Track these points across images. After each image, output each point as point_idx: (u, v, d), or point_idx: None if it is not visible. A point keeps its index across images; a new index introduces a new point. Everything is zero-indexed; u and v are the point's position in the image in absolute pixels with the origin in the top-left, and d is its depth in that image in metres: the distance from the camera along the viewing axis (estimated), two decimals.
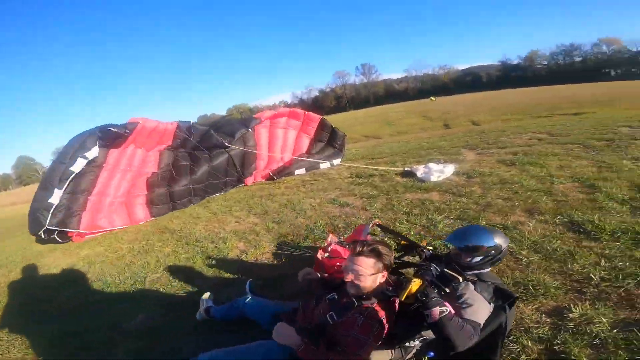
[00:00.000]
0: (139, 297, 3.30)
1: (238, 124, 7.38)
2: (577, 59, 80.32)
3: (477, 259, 1.98)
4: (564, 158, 5.77)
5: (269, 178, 7.56)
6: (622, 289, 2.24)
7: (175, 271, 3.65)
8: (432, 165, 5.94)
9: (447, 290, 1.71)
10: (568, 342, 1.88)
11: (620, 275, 2.36)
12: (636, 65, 71.75)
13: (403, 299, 1.70)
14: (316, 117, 8.29)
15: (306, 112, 8.20)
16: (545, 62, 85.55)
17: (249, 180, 7.39)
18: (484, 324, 1.74)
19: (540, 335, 1.99)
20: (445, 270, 1.81)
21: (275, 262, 3.52)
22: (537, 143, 7.55)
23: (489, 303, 1.82)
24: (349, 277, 1.80)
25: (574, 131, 8.56)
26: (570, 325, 2.01)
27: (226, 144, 6.53)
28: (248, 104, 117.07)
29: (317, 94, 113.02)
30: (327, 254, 2.58)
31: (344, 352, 1.66)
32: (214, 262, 3.75)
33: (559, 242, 2.94)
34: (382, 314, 1.74)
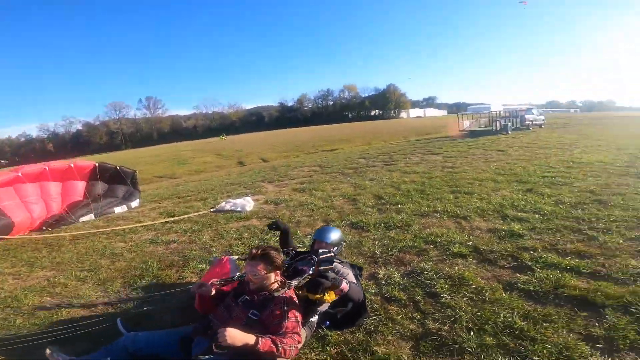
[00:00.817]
0: None
1: None
2: (330, 103, 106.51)
3: (336, 248, 2.81)
4: (333, 183, 7.95)
5: (40, 230, 5.90)
6: (393, 256, 3.64)
7: None
8: (232, 200, 6.54)
9: (335, 271, 2.35)
10: (389, 290, 2.92)
11: (388, 248, 3.82)
12: (364, 109, 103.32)
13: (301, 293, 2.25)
14: (88, 165, 7.11)
15: (73, 164, 6.82)
16: (310, 105, 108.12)
17: None
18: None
19: (373, 290, 2.96)
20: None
21: (118, 305, 3.03)
22: (314, 174, 9.83)
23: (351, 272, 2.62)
24: (250, 278, 2.15)
25: (334, 163, 11.73)
26: (383, 281, 3.11)
27: None
28: None
29: (80, 127, 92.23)
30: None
31: (287, 335, 1.95)
32: (17, 322, 2.79)
33: (350, 236, 4.27)
34: (294, 299, 2.15)
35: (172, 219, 5.93)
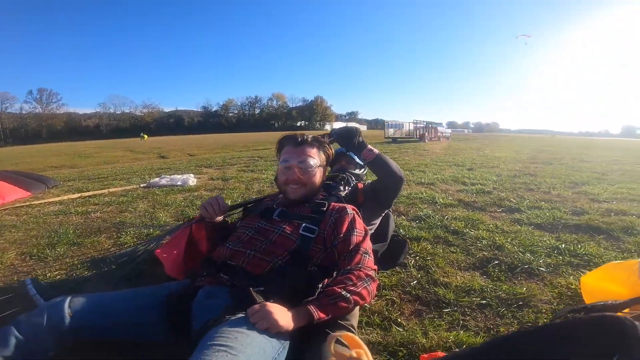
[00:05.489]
0: None
1: None
2: (257, 111, 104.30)
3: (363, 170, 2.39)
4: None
5: None
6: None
7: None
8: (169, 176, 5.62)
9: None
10: (407, 232, 2.65)
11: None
12: (290, 119, 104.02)
13: None
14: None
15: None
16: (236, 111, 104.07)
17: None
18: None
19: None
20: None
21: (18, 273, 2.01)
22: (257, 160, 9.18)
23: None
24: (296, 175, 1.45)
25: (274, 156, 11.15)
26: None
27: None
28: None
29: None
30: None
31: (355, 265, 1.24)
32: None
33: None
34: (352, 206, 1.50)
35: (87, 193, 4.70)
